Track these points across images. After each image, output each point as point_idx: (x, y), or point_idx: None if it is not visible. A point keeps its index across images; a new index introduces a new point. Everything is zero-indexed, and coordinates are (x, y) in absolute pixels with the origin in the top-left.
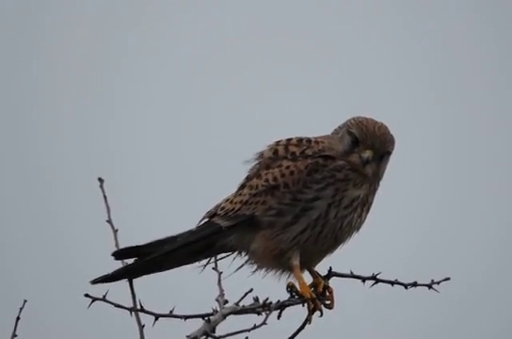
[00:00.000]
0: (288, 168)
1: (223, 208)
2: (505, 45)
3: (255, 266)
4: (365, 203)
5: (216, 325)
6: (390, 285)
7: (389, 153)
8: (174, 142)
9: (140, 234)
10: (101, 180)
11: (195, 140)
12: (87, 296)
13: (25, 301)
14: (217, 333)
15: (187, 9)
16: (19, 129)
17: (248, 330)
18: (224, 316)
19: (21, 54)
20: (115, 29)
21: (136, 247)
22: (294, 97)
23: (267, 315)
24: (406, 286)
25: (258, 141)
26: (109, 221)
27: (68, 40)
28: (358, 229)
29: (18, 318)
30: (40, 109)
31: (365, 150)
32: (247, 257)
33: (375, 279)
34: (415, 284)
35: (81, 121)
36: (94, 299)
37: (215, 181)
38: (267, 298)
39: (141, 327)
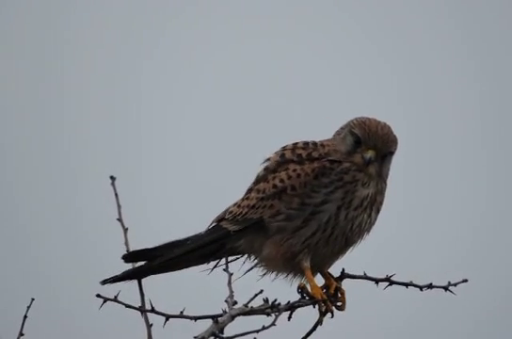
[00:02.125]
0: (295, 171)
1: (231, 212)
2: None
3: (265, 270)
4: (374, 203)
5: (225, 326)
6: (404, 287)
7: (392, 153)
8: (187, 143)
9: (150, 232)
10: (112, 178)
11: (208, 142)
12: (98, 296)
13: (33, 300)
14: (226, 334)
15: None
16: (27, 128)
17: (257, 332)
18: (232, 317)
19: (36, 50)
20: (135, 30)
21: (146, 250)
22: (300, 100)
23: (276, 317)
24: (421, 288)
25: (268, 144)
26: (120, 220)
27: (82, 40)
28: (368, 230)
29: (25, 317)
30: (49, 108)
31: (368, 150)
32: (256, 261)
33: (388, 280)
34: (431, 286)
35: (93, 119)
36: (106, 300)
37: (226, 182)
38: (276, 300)
39: (149, 326)
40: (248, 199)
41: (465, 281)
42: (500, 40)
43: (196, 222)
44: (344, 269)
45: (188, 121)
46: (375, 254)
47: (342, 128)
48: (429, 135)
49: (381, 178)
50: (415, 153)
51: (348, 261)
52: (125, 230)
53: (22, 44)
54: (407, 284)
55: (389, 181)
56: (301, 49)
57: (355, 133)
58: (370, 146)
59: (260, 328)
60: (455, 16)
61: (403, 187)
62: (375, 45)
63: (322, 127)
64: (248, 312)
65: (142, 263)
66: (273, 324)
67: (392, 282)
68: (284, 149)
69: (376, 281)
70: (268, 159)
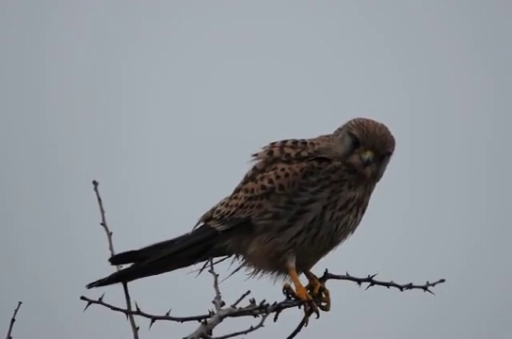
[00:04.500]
0: (283, 170)
1: (219, 212)
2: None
3: (252, 269)
4: (360, 204)
5: (213, 327)
6: (385, 287)
7: (389, 154)
8: (169, 144)
9: (135, 236)
10: (95, 183)
11: (190, 142)
12: (83, 298)
13: (20, 303)
14: (214, 336)
15: (191, 12)
16: (9, 132)
17: (245, 333)
18: (221, 318)
19: (22, 52)
20: (119, 28)
21: (133, 252)
22: (293, 98)
23: (264, 317)
24: (401, 288)
25: (254, 144)
26: (103, 224)
27: (71, 40)
28: (353, 230)
29: (13, 320)
30: (32, 111)
31: (366, 151)
32: (243, 260)
33: (370, 281)
34: (410, 286)
35: (75, 123)
36: (90, 302)
37: (210, 183)
38: (264, 301)
39: (136, 329)
40: (236, 198)
41: (442, 281)
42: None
43: (181, 225)
44: (327, 270)
45: (171, 123)
46: (357, 255)
47: (340, 129)
48: (432, 134)
49: (375, 179)
50: (404, 153)
51: (331, 262)
52: (109, 234)
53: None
54: (388, 284)
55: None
56: (299, 49)
57: (353, 134)
58: (368, 147)
59: (247, 329)
60: (464, 13)
61: (385, 188)
62: (374, 45)
63: (320, 128)
64: (237, 313)
65: (129, 265)
66: (261, 325)
67: (373, 283)
68: (273, 146)
69: (359, 281)
70: (256, 155)
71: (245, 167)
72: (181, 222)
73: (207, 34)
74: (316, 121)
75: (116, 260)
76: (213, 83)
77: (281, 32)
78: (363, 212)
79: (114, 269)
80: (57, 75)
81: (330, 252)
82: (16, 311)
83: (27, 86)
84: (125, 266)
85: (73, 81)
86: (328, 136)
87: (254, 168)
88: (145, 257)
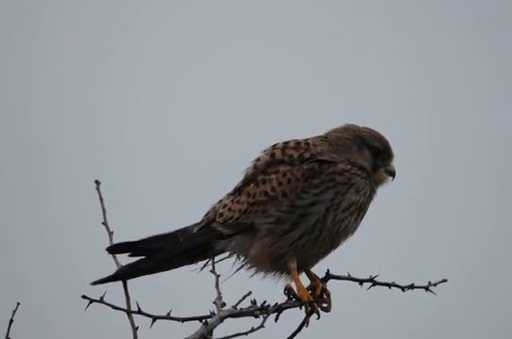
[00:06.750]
0: (285, 175)
1: (222, 215)
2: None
3: (253, 270)
4: (362, 209)
5: (214, 328)
6: (387, 288)
7: None
8: (169, 144)
9: (136, 236)
10: (97, 182)
11: (190, 141)
12: (84, 297)
13: (19, 304)
14: (215, 336)
15: (180, 6)
16: (13, 131)
17: (246, 333)
18: (222, 319)
19: (13, 50)
20: (105, 27)
21: (131, 243)
22: (291, 97)
23: (265, 318)
24: (403, 289)
25: (253, 141)
26: (105, 223)
27: (60, 38)
28: (352, 232)
29: (11, 321)
30: (34, 110)
31: (390, 162)
32: (245, 261)
33: (372, 281)
34: (412, 287)
35: (77, 122)
36: (92, 301)
37: (210, 182)
38: (265, 301)
39: (135, 329)
40: (238, 202)
41: (444, 281)
42: None
43: (182, 224)
44: (328, 270)
45: (170, 121)
46: (358, 256)
47: (348, 139)
48: (435, 132)
49: None
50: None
51: (332, 262)
52: (110, 233)
53: None
54: (389, 285)
55: None
56: (301, 42)
57: (374, 146)
58: (390, 157)
59: (248, 329)
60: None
61: (386, 189)
62: (384, 39)
63: (320, 124)
64: (237, 313)
65: (131, 264)
66: (262, 326)
67: (375, 283)
68: (274, 147)
69: (361, 281)
70: (258, 159)
71: (243, 165)
72: (182, 221)
73: (203, 32)
74: (316, 119)
75: (113, 250)
76: (211, 82)
77: (281, 30)
78: (362, 217)
79: (115, 268)
80: (60, 71)
81: (331, 253)
82: (14, 311)
83: (33, 85)
84: (127, 265)
85: (74, 78)
86: (321, 137)
87: (255, 167)
88: (143, 248)
